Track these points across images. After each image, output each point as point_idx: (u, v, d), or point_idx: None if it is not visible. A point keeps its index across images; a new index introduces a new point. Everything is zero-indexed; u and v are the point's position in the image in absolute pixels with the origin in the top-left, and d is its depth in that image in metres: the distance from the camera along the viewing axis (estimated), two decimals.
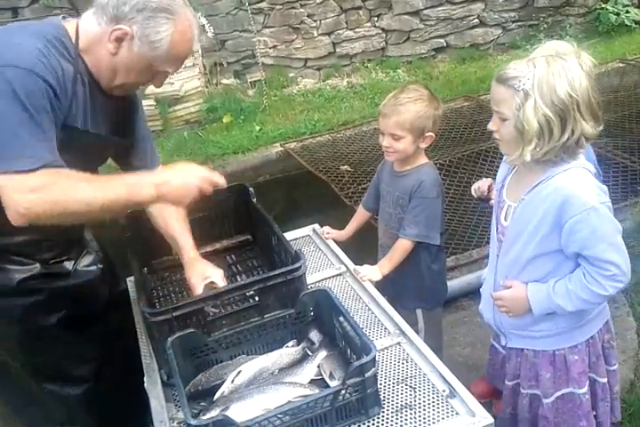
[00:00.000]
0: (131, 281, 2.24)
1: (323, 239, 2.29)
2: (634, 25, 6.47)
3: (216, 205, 2.33)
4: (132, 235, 2.17)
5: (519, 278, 1.73)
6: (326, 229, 2.35)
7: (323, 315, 1.67)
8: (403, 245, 2.15)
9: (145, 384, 1.72)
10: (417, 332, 2.12)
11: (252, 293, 1.72)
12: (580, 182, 1.58)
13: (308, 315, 1.69)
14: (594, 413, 1.85)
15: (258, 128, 5.32)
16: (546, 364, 1.79)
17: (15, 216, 1.45)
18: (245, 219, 2.34)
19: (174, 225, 1.98)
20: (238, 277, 2.18)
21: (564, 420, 1.83)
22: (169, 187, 1.58)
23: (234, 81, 6.43)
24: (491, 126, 1.66)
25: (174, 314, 1.64)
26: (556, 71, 1.50)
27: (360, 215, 2.46)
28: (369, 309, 1.84)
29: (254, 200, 2.24)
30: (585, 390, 1.80)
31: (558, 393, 1.81)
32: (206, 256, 2.31)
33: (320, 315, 1.68)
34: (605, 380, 1.84)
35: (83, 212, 1.50)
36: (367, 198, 2.45)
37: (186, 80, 5.87)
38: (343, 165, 4.57)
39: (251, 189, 2.28)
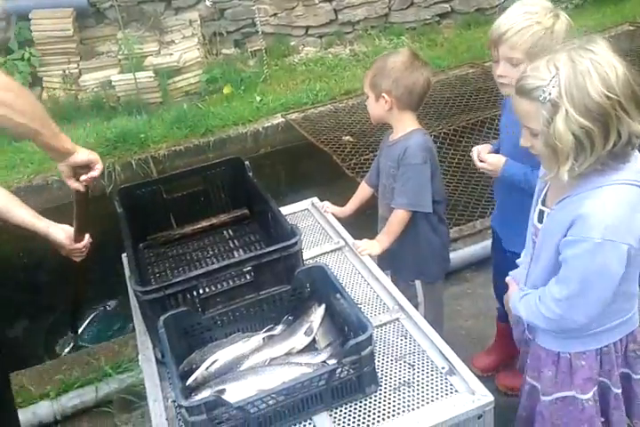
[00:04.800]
0: (124, 257, 2.20)
1: (322, 213, 2.23)
2: None
3: (212, 178, 2.29)
4: (126, 210, 2.12)
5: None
6: (326, 204, 2.29)
7: (319, 291, 1.63)
8: (397, 216, 2.09)
9: (139, 362, 1.69)
10: (416, 306, 2.08)
11: (247, 269, 1.67)
12: (608, 204, 1.34)
13: (304, 291, 1.64)
14: (602, 419, 1.70)
15: (259, 99, 5.22)
16: (549, 362, 1.67)
17: None
18: (242, 193, 2.28)
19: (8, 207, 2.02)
20: (236, 252, 2.14)
21: (564, 422, 1.69)
22: None
23: (234, 51, 6.30)
24: (523, 143, 1.46)
25: (167, 292, 1.60)
26: (584, 69, 1.28)
27: (362, 191, 2.38)
28: (368, 284, 1.80)
29: (250, 174, 2.19)
30: (589, 396, 1.64)
31: (559, 394, 1.67)
32: (203, 231, 2.29)
33: (316, 291, 1.64)
34: (619, 390, 1.68)
35: None
36: (370, 173, 2.37)
37: (185, 51, 5.76)
38: (345, 135, 4.48)
39: (247, 162, 2.22)
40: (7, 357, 1.92)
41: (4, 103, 1.51)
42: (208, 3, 5.61)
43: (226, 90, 5.47)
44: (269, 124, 4.87)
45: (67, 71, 5.76)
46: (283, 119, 4.86)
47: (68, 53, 5.78)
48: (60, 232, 2.08)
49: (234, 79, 5.56)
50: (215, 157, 4.77)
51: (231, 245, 2.19)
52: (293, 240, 1.63)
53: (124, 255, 2.23)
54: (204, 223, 2.30)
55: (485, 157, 2.00)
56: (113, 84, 5.58)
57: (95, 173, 1.86)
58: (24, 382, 2.66)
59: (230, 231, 2.28)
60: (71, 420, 2.53)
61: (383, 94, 2.04)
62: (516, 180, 1.92)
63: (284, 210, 2.31)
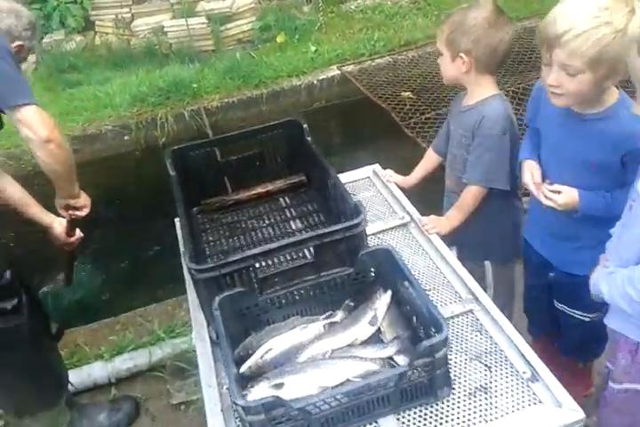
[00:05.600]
0: (177, 223, 2.12)
1: (384, 183, 2.08)
2: None
3: (267, 141, 2.15)
4: (178, 173, 2.02)
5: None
6: (389, 172, 2.13)
7: (385, 276, 1.50)
8: (471, 192, 1.91)
9: (193, 341, 1.61)
10: (484, 288, 1.93)
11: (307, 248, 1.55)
12: None
13: (368, 275, 1.52)
14: None
15: (313, 48, 5.00)
16: (625, 350, 1.53)
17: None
18: (300, 158, 2.14)
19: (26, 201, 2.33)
20: (292, 222, 2.02)
21: (628, 412, 1.58)
22: None
23: None
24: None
25: (222, 271, 1.49)
26: None
27: (429, 159, 2.17)
28: (437, 267, 1.65)
29: (309, 139, 2.04)
30: None
31: (629, 386, 1.55)
32: (258, 197, 2.17)
33: (381, 276, 1.51)
34: None
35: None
36: (438, 140, 2.16)
37: None
38: (405, 91, 4.24)
39: (305, 125, 2.06)
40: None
41: None
42: None
43: (279, 38, 5.25)
44: (324, 76, 4.66)
45: (119, 16, 5.63)
46: (338, 71, 4.65)
47: None
48: (59, 227, 2.34)
49: (288, 27, 5.33)
50: (268, 110, 4.63)
51: (287, 214, 2.07)
52: (357, 220, 1.50)
53: (176, 220, 2.15)
54: (260, 189, 2.18)
55: (555, 197, 1.66)
56: (165, 29, 5.42)
57: (82, 213, 2.26)
58: (78, 340, 2.67)
59: (287, 199, 2.15)
60: (125, 382, 2.52)
61: (461, 54, 1.83)
62: (598, 213, 1.64)
63: (344, 177, 2.17)
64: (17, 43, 2.14)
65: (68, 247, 2.41)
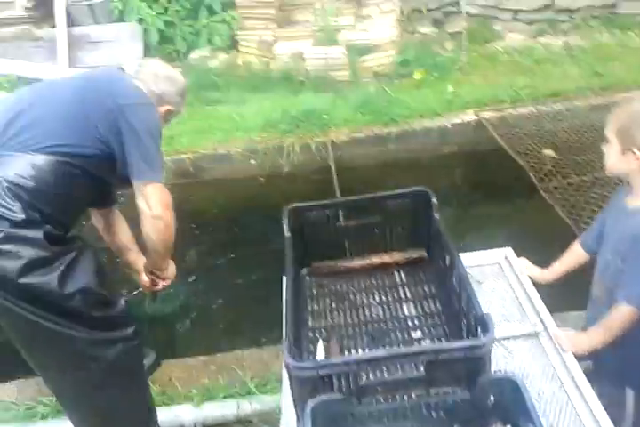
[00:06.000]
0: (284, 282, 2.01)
1: (516, 275, 1.85)
2: None
3: (391, 210, 2.00)
4: (293, 232, 1.92)
5: None
6: (524, 262, 1.89)
7: (505, 408, 1.29)
8: (622, 313, 1.63)
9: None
10: (622, 419, 1.65)
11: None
12: None
13: (486, 405, 1.32)
14: None
15: (451, 89, 4.78)
16: None
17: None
18: (422, 231, 1.98)
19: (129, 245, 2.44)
20: (405, 305, 1.85)
21: None
22: None
23: (432, 30, 5.85)
24: None
25: (321, 373, 1.35)
26: None
27: (575, 255, 1.91)
28: (568, 399, 1.42)
29: (436, 215, 1.86)
30: None
31: None
32: (373, 268, 2.03)
33: (501, 406, 1.30)
34: None
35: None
36: (588, 235, 1.91)
37: (380, 27, 5.43)
38: (546, 148, 3.91)
39: (434, 199, 1.89)
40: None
41: None
42: None
43: (417, 75, 5.08)
44: (459, 120, 4.44)
45: (262, 37, 5.70)
46: (475, 117, 4.40)
47: (267, 19, 5.69)
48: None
49: (427, 63, 5.16)
50: (395, 149, 4.47)
51: (401, 293, 1.91)
52: (484, 340, 1.30)
53: (284, 278, 2.05)
54: (375, 259, 2.04)
55: None
56: (304, 56, 5.42)
57: (163, 283, 2.38)
58: (172, 375, 2.64)
59: (403, 274, 2.00)
60: None
61: (635, 150, 1.58)
62: None
63: (470, 258, 1.97)
64: (166, 107, 2.20)
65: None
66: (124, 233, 2.41)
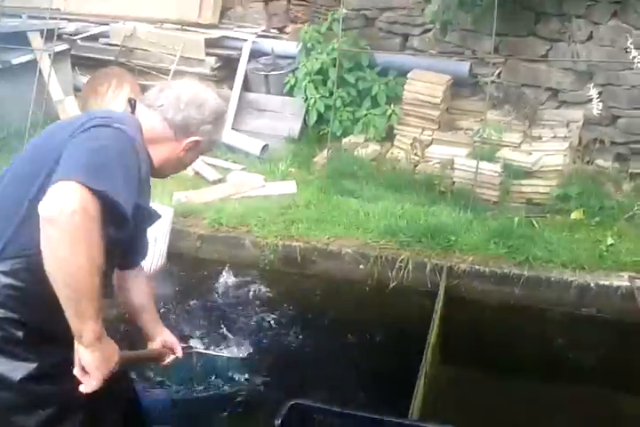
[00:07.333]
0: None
1: None
2: None
3: None
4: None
5: None
6: None
7: None
8: None
9: None
10: None
11: None
12: None
13: None
14: None
15: (610, 242, 4.06)
16: None
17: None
18: None
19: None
20: None
21: None
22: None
23: (611, 165, 5.15)
24: None
25: None
26: None
27: None
28: None
29: None
30: None
31: None
32: None
33: None
34: None
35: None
36: None
37: (548, 153, 4.88)
38: None
39: None
40: None
41: None
42: (596, 111, 4.60)
43: (575, 214, 4.44)
44: (607, 282, 3.70)
45: (420, 136, 5.40)
46: (628, 283, 3.65)
47: (428, 120, 5.41)
48: (159, 344, 2.18)
49: (592, 204, 4.50)
50: (520, 295, 3.83)
51: None
52: None
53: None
54: None
55: None
56: (454, 165, 5.00)
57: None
58: None
59: None
60: None
61: None
62: None
63: None
64: (191, 138, 1.86)
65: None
66: (139, 292, 2.12)
